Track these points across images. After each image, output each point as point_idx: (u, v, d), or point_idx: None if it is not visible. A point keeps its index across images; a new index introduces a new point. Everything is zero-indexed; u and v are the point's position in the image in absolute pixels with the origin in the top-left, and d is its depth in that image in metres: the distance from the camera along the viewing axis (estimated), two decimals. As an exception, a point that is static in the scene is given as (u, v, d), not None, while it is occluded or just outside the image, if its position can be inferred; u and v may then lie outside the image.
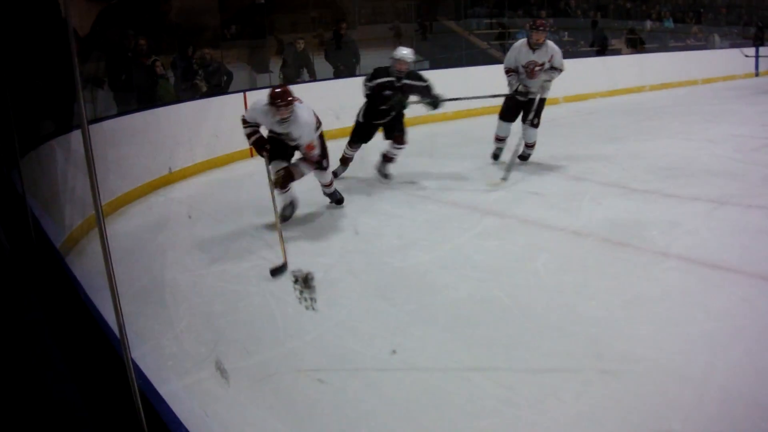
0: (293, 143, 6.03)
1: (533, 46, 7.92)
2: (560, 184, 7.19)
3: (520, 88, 8.02)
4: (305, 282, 4.01)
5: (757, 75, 15.97)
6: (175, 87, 9.42)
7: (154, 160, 7.65)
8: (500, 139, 8.53)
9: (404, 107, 7.53)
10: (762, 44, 15.35)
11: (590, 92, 14.04)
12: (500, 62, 13.47)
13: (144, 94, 8.67)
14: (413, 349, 3.77)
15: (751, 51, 16.41)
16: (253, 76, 11.29)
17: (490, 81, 12.02)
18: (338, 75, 11.79)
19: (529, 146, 8.43)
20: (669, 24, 18.68)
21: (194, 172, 8.20)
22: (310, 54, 11.71)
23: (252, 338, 3.97)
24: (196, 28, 10.60)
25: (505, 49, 14.73)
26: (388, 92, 7.37)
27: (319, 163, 6.15)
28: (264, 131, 6.14)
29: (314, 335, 4.00)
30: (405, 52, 7.38)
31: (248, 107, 6.23)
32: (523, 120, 8.26)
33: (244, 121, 6.02)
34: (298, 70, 11.42)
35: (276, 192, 5.93)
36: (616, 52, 16.49)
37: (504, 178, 7.38)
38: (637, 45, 16.57)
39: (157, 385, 2.61)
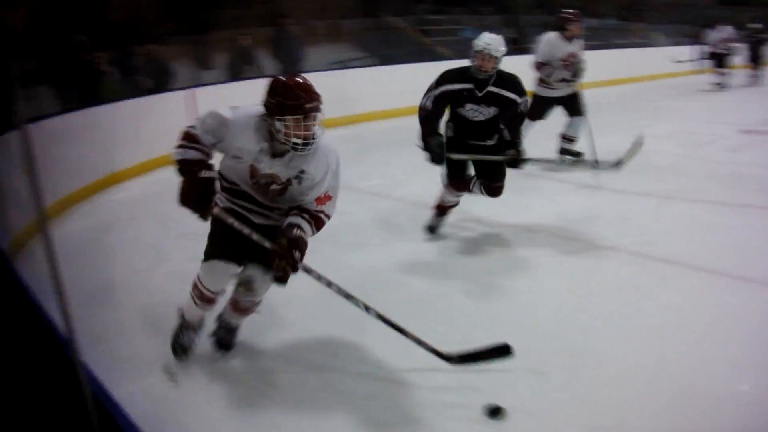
0: (276, 202, 3.50)
1: (570, 38, 7.73)
2: (511, 181, 7.22)
3: (550, 82, 7.81)
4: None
5: (700, 72, 16.22)
6: (118, 84, 9.25)
7: (99, 159, 7.50)
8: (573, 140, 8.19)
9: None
10: (705, 43, 15.59)
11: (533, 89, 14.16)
12: (447, 59, 13.60)
13: (87, 92, 8.51)
14: (371, 348, 3.76)
15: (683, 55, 16.60)
16: (197, 72, 11.16)
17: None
18: (284, 71, 11.72)
19: (572, 139, 8.23)
20: (613, 22, 18.94)
21: (140, 172, 8.07)
22: (255, 50, 11.61)
23: (205, 339, 3.91)
24: (138, 23, 10.45)
25: (449, 45, 14.83)
26: (470, 107, 5.23)
27: (320, 222, 3.51)
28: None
29: (269, 336, 3.98)
30: (488, 39, 5.12)
31: (207, 117, 3.30)
32: (572, 114, 7.99)
33: (190, 137, 3.29)
34: (244, 66, 11.32)
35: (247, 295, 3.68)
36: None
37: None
38: (515, 43, 16.50)
39: (111, 389, 2.57)
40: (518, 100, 5.14)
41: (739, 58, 16.37)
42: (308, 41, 12.69)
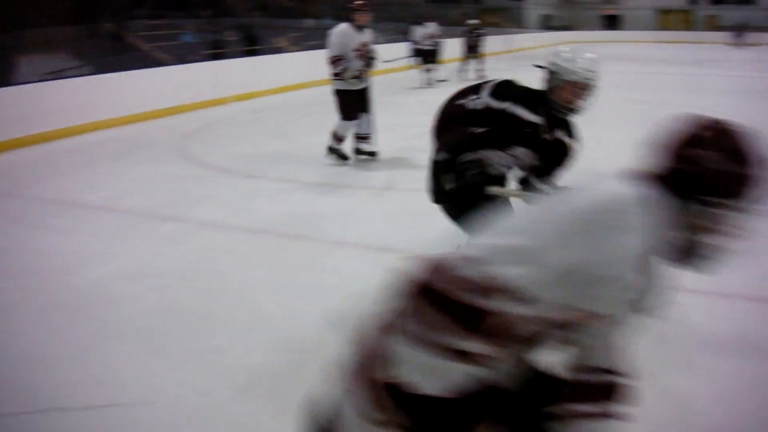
0: None
1: (360, 27, 7.64)
2: (235, 184, 7.27)
3: (356, 74, 7.63)
4: None
5: (411, 69, 16.95)
6: None
7: None
8: (343, 139, 8.04)
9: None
10: (411, 40, 16.31)
11: (257, 90, 14.31)
12: (165, 64, 13.44)
13: None
14: (105, 367, 3.64)
15: (394, 53, 17.33)
16: None
17: (159, 86, 11.98)
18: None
19: (367, 137, 8.12)
20: (330, 21, 19.48)
21: None
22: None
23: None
24: None
25: (169, 50, 14.66)
26: (513, 153, 3.75)
27: None
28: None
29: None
30: (591, 65, 3.48)
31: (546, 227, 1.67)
32: (364, 110, 7.88)
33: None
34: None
35: None
36: (279, 50, 16.91)
37: None
38: (253, 43, 16.74)
39: None
40: (576, 147, 3.78)
41: (456, 52, 17.43)
42: (19, 51, 12.07)
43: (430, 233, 5.57)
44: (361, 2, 7.64)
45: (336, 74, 7.64)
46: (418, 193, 6.62)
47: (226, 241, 5.60)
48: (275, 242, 5.53)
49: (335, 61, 7.59)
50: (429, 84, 15.78)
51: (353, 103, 7.78)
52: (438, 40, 16.15)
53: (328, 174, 7.48)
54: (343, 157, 8.06)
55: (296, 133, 10.10)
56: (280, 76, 15.02)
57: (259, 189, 7.01)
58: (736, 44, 35.65)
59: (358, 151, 8.15)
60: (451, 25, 21.06)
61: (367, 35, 7.78)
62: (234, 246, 5.48)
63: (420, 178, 7.09)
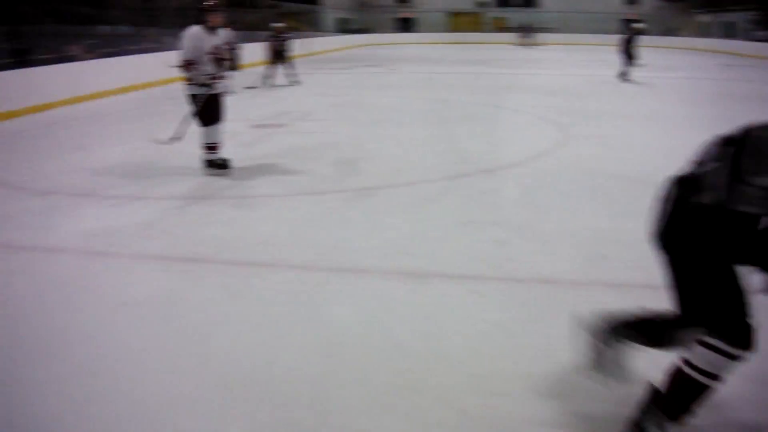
0: None
1: (213, 29, 7.26)
2: (28, 201, 6.86)
3: (203, 79, 7.28)
4: None
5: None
6: None
7: None
8: (216, 147, 7.71)
9: None
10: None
11: (50, 102, 13.69)
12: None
13: None
14: None
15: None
16: None
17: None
18: None
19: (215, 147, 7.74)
20: (125, 28, 18.91)
21: None
22: None
23: None
24: None
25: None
26: None
27: None
28: None
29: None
30: None
31: None
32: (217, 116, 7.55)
33: None
34: None
35: None
36: (72, 58, 16.24)
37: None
38: (23, 55, 15.89)
39: None
40: None
41: (259, 57, 17.31)
42: None
43: (235, 241, 5.51)
44: (212, 2, 7.32)
45: (189, 79, 7.37)
46: (221, 200, 6.57)
47: (20, 263, 5.25)
48: (75, 261, 5.25)
49: (187, 65, 7.28)
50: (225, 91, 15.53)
51: (210, 108, 7.48)
52: (233, 45, 16.02)
53: (127, 186, 7.21)
54: (222, 166, 7.80)
55: (93, 145, 9.71)
56: (73, 86, 14.43)
57: (55, 205, 6.64)
58: (523, 44, 37.77)
59: (210, 163, 7.82)
60: (249, 30, 20.93)
61: (220, 37, 7.53)
62: (30, 268, 5.15)
63: (223, 186, 7.06)
